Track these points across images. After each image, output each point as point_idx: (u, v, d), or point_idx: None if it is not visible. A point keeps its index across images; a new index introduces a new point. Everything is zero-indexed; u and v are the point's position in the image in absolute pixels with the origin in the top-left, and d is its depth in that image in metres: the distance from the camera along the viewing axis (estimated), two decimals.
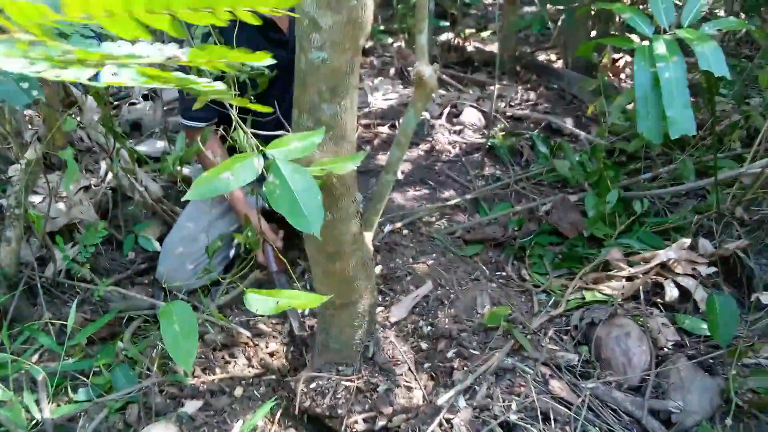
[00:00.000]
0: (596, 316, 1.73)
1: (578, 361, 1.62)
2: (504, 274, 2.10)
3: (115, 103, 3.12)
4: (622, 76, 4.03)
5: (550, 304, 1.90)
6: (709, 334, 1.75)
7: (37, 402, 1.51)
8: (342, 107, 1.21)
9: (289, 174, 0.96)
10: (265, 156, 0.94)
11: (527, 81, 3.85)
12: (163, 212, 2.19)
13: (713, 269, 1.95)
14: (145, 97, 3.18)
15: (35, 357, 1.70)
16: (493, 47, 4.31)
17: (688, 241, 1.95)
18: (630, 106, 2.95)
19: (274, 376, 1.74)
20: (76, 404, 1.54)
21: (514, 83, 3.79)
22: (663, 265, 1.96)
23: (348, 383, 1.57)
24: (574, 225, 2.37)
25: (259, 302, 1.08)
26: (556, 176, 2.79)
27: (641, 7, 3.46)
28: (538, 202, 2.48)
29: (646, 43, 1.73)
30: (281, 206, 0.94)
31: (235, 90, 1.18)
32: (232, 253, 2.11)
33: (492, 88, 3.69)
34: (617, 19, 3.83)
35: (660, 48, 1.69)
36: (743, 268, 1.97)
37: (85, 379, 1.60)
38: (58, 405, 1.55)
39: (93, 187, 2.31)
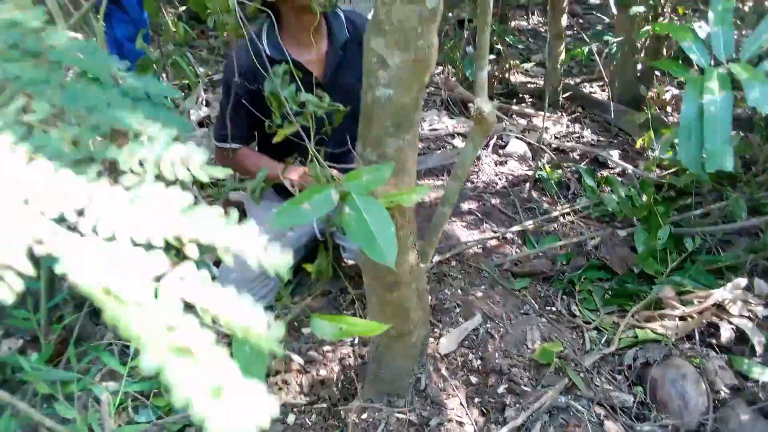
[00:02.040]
0: (651, 356, 1.71)
1: (633, 402, 1.60)
2: (554, 308, 2.09)
3: None
4: (668, 109, 3.99)
5: (602, 342, 1.88)
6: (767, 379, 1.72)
7: (100, 421, 1.57)
8: (405, 141, 1.25)
9: (365, 207, 1.00)
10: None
11: (572, 113, 3.85)
12: None
13: None
14: (200, 125, 3.30)
15: (98, 377, 1.76)
16: (537, 79, 4.33)
17: (744, 281, 1.91)
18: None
19: (325, 405, 1.76)
20: (136, 425, 1.59)
21: (560, 115, 3.80)
22: (718, 306, 1.93)
23: (400, 415, 1.59)
24: (623, 261, 2.35)
25: (324, 327, 1.12)
26: (603, 210, 2.77)
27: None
28: (586, 236, 2.47)
29: (699, 74, 1.73)
30: (357, 238, 0.98)
31: (313, 124, 1.23)
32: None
33: (537, 120, 3.71)
34: (664, 51, 3.81)
35: (711, 81, 1.69)
36: None
37: (146, 400, 1.65)
38: (120, 425, 1.61)
39: None
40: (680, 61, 2.30)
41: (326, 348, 1.96)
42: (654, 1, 3.80)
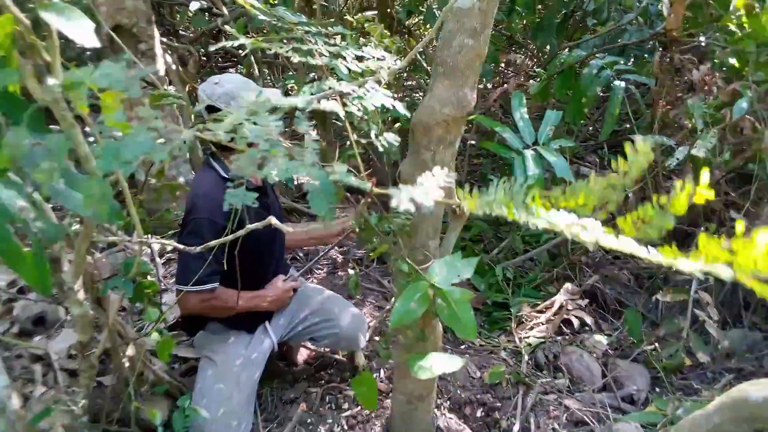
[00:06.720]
0: (555, 350, 2.43)
1: (565, 382, 2.28)
2: (465, 346, 2.68)
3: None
4: None
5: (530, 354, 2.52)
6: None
7: None
8: (438, 242, 1.72)
9: (452, 298, 1.39)
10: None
11: None
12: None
13: (586, 300, 2.84)
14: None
15: None
16: None
17: (570, 285, 2.82)
18: None
19: None
20: None
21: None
22: (561, 306, 2.79)
23: None
24: (475, 299, 3.08)
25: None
26: None
27: None
28: None
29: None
30: (448, 320, 1.35)
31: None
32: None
33: None
34: None
35: (529, 161, 2.51)
36: (602, 294, 2.91)
37: None
38: None
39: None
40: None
41: None
42: None
